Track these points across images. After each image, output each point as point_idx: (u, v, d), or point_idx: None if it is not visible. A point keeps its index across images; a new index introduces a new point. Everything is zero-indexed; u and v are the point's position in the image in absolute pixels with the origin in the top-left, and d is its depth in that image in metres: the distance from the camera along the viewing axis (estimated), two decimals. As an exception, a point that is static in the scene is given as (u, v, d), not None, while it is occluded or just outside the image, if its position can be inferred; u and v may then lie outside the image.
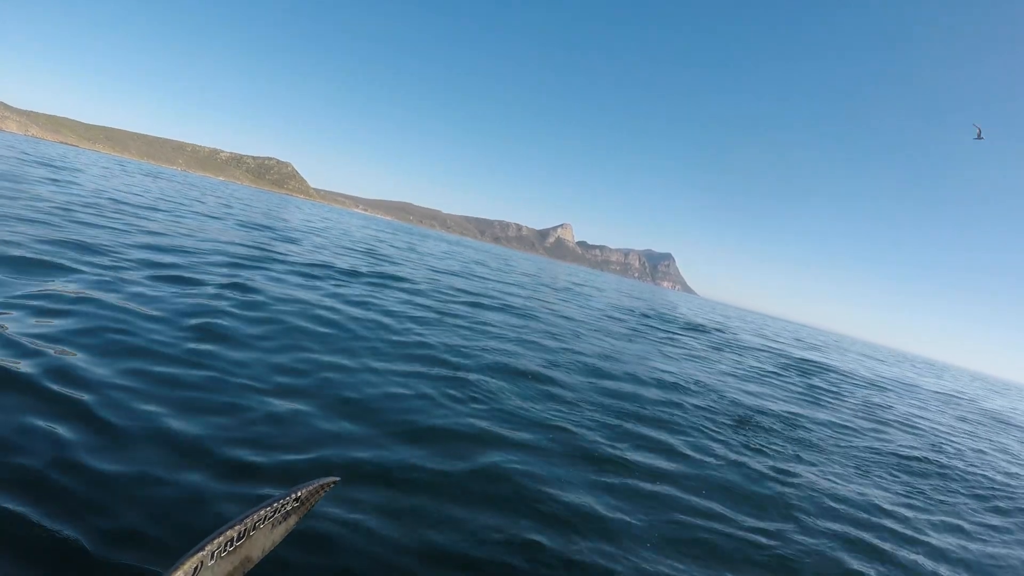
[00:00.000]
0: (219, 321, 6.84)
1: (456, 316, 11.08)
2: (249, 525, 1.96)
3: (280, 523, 2.20)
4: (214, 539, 1.79)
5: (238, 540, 1.91)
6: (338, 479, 2.50)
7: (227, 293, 8.35)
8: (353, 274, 13.64)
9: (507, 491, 4.29)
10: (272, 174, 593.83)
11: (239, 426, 4.37)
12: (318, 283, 11.19)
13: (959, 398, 21.85)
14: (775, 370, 14.61)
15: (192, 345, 5.85)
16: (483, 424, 5.53)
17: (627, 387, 8.43)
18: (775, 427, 8.14)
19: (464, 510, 3.90)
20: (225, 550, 1.86)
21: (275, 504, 2.11)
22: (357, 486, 3.89)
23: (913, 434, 10.30)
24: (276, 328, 7.24)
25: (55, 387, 4.26)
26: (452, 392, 6.29)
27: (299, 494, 2.25)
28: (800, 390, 12.14)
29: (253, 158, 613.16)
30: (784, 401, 10.27)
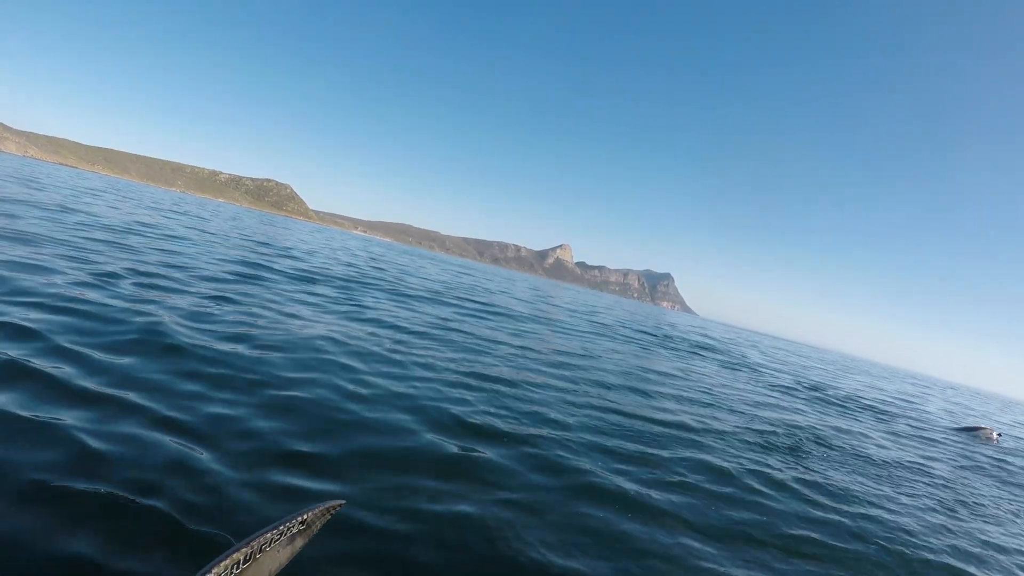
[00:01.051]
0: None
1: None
2: (255, 548, 1.92)
3: (286, 546, 2.16)
4: (220, 562, 1.76)
5: (244, 563, 1.87)
6: (343, 502, 2.53)
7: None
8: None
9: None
10: (271, 196, 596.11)
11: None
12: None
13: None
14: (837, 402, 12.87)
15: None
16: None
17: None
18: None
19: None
20: (231, 573, 1.81)
21: (281, 527, 2.06)
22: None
23: None
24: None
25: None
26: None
27: (305, 517, 2.22)
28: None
29: (252, 180, 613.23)
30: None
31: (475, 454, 4.55)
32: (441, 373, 6.86)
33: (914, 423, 13.29)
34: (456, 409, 5.57)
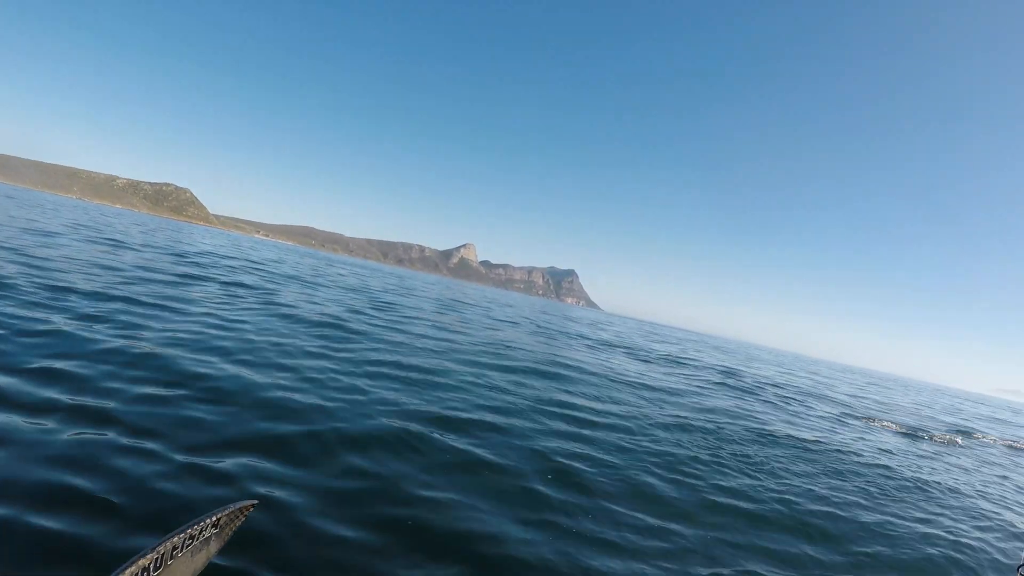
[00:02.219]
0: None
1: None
2: (164, 552, 1.89)
3: (200, 550, 2.15)
4: (126, 569, 1.71)
5: (154, 569, 1.83)
6: (256, 501, 2.51)
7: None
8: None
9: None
10: (170, 200, 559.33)
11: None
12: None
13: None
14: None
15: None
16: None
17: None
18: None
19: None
20: None
21: (191, 530, 2.05)
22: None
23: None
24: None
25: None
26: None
27: (216, 518, 2.20)
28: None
29: (151, 184, 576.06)
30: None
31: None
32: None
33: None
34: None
